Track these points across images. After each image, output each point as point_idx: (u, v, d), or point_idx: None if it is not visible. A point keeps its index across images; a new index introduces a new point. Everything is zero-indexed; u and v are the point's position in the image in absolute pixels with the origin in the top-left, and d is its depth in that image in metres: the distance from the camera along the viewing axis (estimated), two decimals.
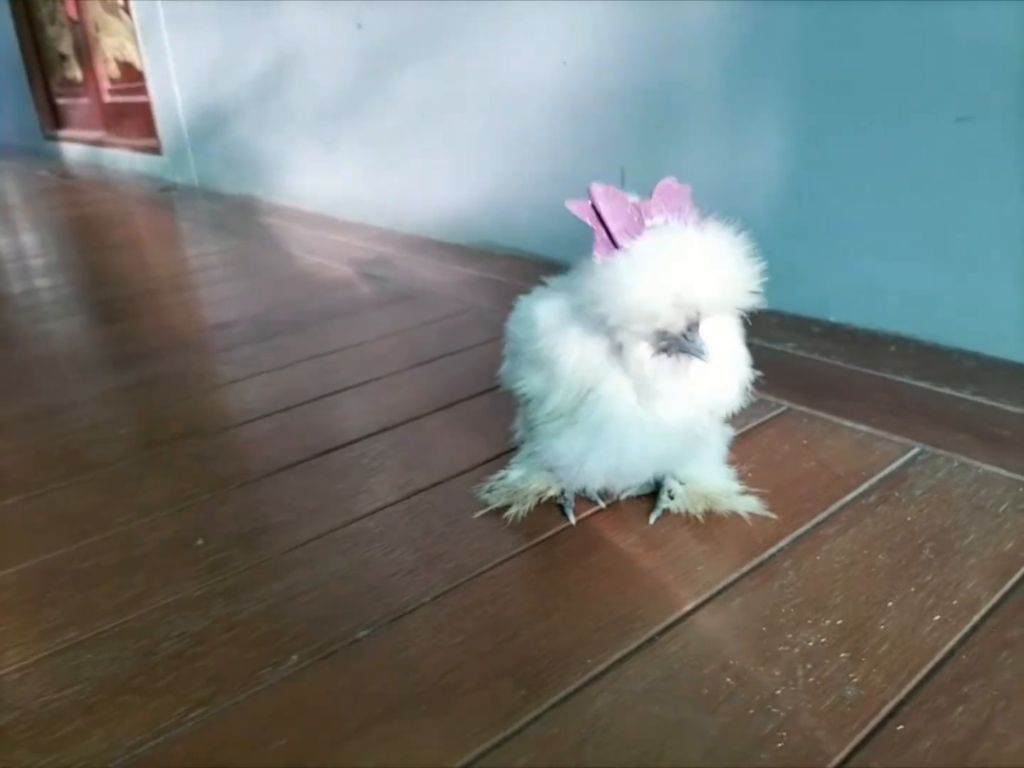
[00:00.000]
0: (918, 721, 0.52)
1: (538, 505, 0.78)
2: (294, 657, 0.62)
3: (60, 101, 5.21)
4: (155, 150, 3.71)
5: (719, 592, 0.65)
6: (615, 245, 0.62)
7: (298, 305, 1.55)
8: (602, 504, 0.78)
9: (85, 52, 4.39)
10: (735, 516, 0.75)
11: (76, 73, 4.67)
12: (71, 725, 0.57)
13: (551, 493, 0.78)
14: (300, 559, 0.74)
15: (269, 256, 1.97)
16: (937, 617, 0.61)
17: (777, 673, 0.57)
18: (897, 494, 0.77)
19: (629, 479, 0.74)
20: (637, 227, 0.62)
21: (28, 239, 2.50)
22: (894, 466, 0.82)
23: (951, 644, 0.58)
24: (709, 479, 0.77)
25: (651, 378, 0.64)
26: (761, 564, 0.68)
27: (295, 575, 0.72)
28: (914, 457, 0.83)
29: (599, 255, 0.62)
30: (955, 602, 0.62)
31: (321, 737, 0.55)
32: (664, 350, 0.63)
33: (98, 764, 0.54)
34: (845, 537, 0.71)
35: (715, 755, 0.51)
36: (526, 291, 0.75)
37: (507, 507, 0.77)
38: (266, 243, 2.10)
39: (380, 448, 0.94)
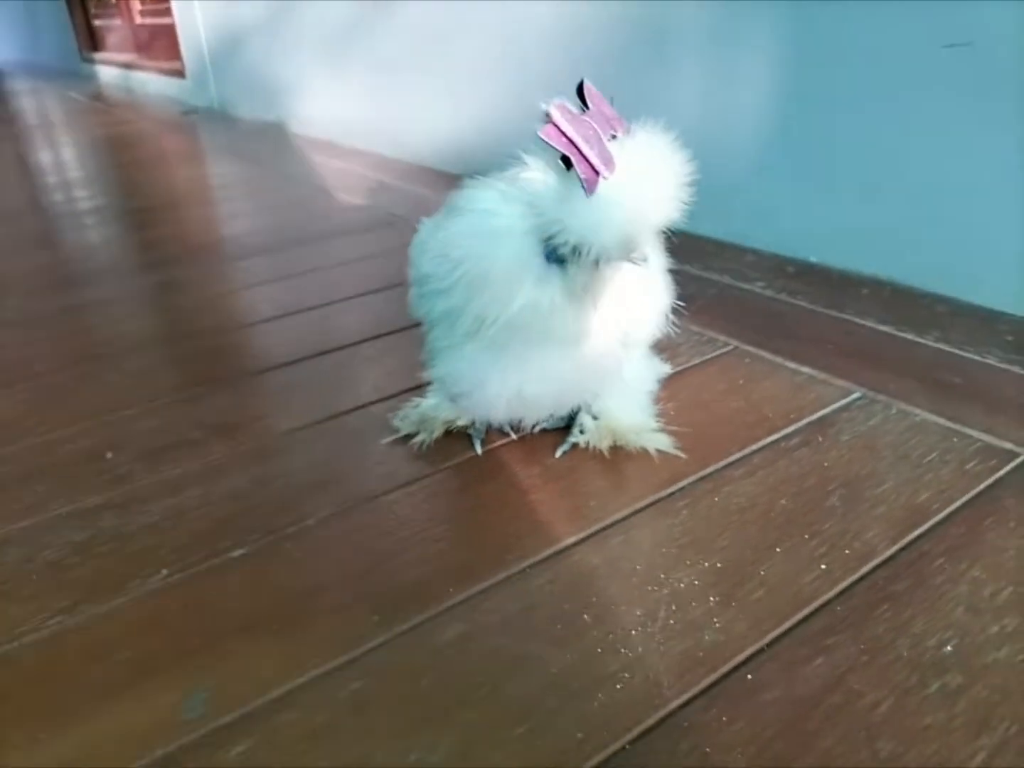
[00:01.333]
0: (770, 671, 0.50)
1: (449, 435, 0.76)
2: (164, 571, 0.61)
3: (97, 23, 5.18)
4: (179, 73, 3.68)
5: (604, 528, 0.63)
6: (596, 172, 0.56)
7: (291, 225, 1.56)
8: (513, 436, 0.76)
9: None
10: (644, 454, 0.72)
11: None
12: None
13: (461, 423, 0.76)
14: (200, 475, 0.73)
15: (274, 180, 1.97)
16: (823, 567, 0.58)
17: (638, 613, 0.54)
18: (821, 439, 0.73)
19: (533, 409, 0.70)
20: (607, 152, 0.56)
21: (65, 154, 2.62)
22: (827, 410, 0.77)
23: (829, 595, 0.55)
24: (623, 414, 0.74)
25: (593, 303, 0.61)
26: (656, 502, 0.66)
27: (191, 491, 0.71)
28: (851, 402, 0.78)
29: (586, 182, 0.56)
30: (847, 552, 0.59)
31: (164, 651, 0.54)
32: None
33: None
34: (752, 480, 0.68)
35: (550, 692, 0.49)
36: None
37: (415, 434, 0.75)
38: (274, 167, 2.10)
39: (314, 371, 0.92)
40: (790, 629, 0.53)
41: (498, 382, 0.66)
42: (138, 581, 0.61)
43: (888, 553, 0.59)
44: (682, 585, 0.57)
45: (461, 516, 0.66)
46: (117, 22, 4.68)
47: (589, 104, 0.59)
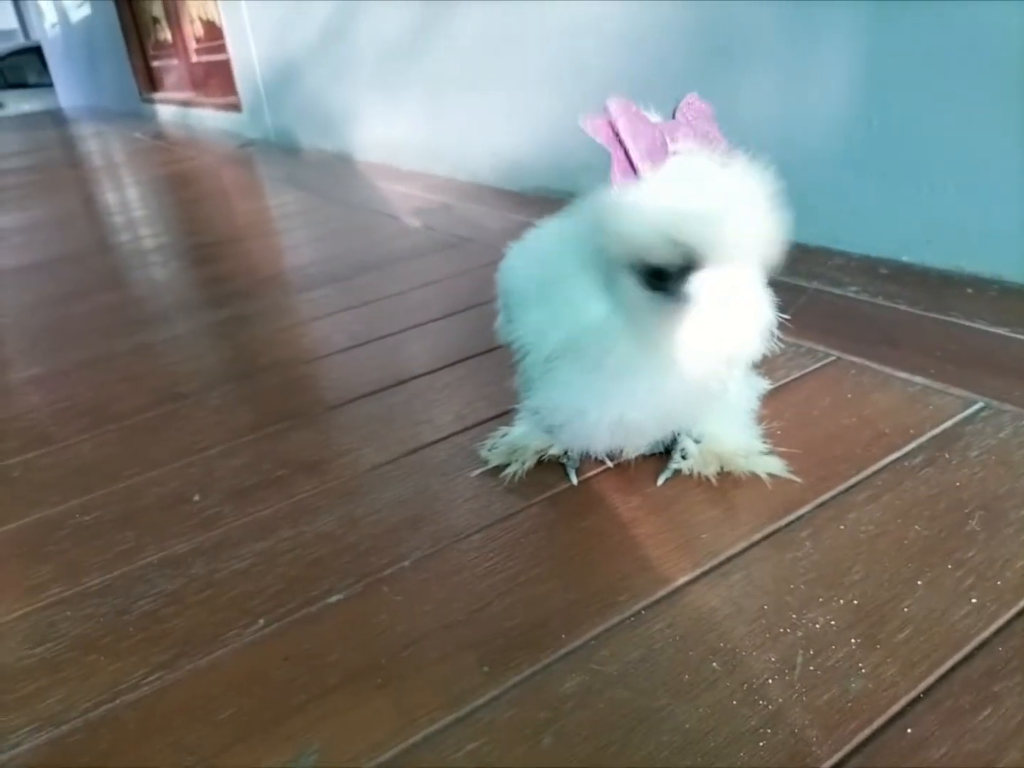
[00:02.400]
0: (932, 724, 0.45)
1: (540, 464, 0.72)
2: (261, 621, 0.59)
3: (155, 64, 5.35)
4: (235, 107, 3.77)
5: (721, 563, 0.58)
6: (635, 171, 0.54)
7: (353, 253, 1.55)
8: (609, 463, 0.72)
9: (173, 13, 4.48)
10: (754, 479, 0.67)
11: (167, 34, 4.77)
12: (35, 683, 0.56)
13: (554, 452, 0.72)
14: (289, 516, 0.71)
15: (334, 208, 1.98)
16: (974, 600, 0.52)
17: (773, 659, 0.50)
18: (948, 455, 0.67)
19: (635, 435, 0.66)
20: (661, 152, 0.54)
21: (130, 193, 2.71)
22: (949, 423, 0.71)
23: (986, 634, 0.50)
24: (728, 437, 0.69)
25: (647, 320, 0.57)
26: (774, 533, 0.61)
27: (281, 533, 0.69)
28: (975, 413, 0.72)
29: (616, 180, 0.54)
30: (999, 583, 0.53)
31: (267, 708, 0.52)
32: (660, 290, 0.56)
33: (49, 725, 0.53)
34: (877, 504, 0.62)
35: (686, 752, 0.45)
36: None
37: (506, 465, 0.72)
38: (333, 196, 2.12)
39: (393, 401, 0.90)
40: (948, 673, 0.47)
41: (597, 409, 0.62)
42: (235, 632, 0.58)
43: None
44: (817, 626, 0.52)
45: (562, 553, 0.62)
46: (174, 62, 4.83)
47: (678, 116, 0.55)
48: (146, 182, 2.88)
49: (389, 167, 2.37)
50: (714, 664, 0.50)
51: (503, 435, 0.75)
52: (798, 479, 0.66)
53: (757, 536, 0.61)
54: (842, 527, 0.60)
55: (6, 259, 1.90)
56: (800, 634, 0.51)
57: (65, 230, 2.20)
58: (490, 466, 0.73)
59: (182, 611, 0.61)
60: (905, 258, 1.12)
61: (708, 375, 0.62)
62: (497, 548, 0.63)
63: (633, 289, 0.56)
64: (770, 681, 0.48)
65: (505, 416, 0.82)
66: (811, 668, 0.49)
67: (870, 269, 1.10)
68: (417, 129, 2.27)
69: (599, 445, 0.67)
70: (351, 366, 1.02)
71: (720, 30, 1.26)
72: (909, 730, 0.44)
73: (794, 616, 0.53)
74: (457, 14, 1.91)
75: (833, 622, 0.52)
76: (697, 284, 0.53)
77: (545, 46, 1.68)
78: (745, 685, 0.48)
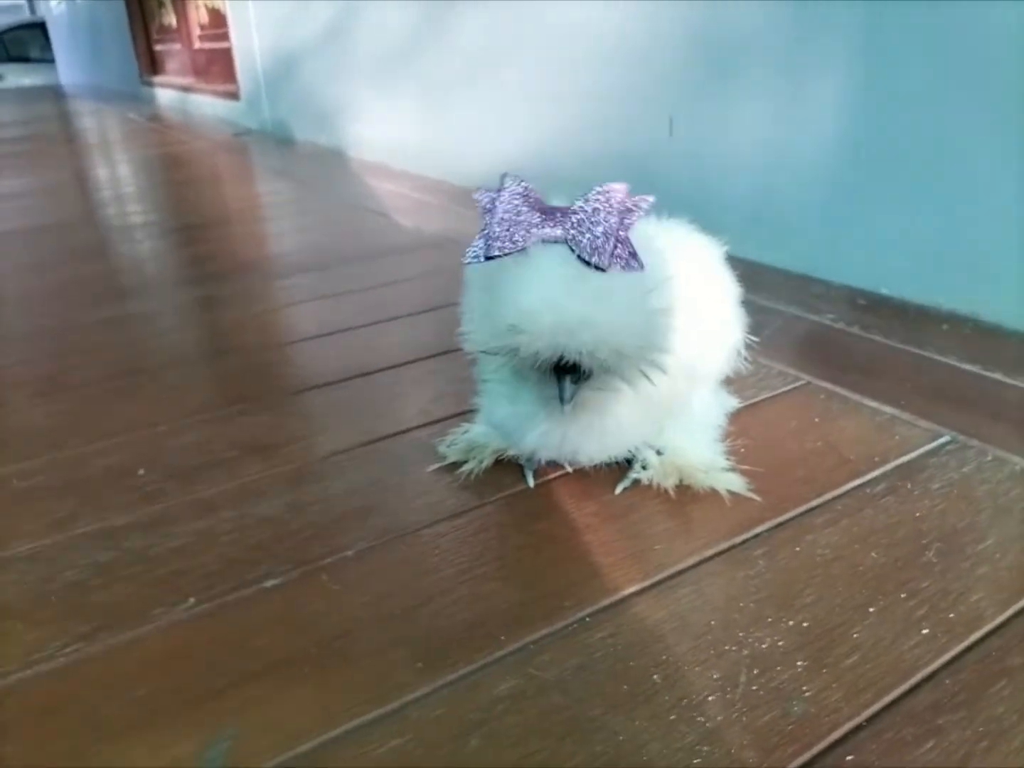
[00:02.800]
0: (873, 753, 0.43)
1: (499, 464, 0.71)
2: (191, 599, 0.57)
3: (157, 48, 5.32)
4: (234, 96, 3.74)
5: (672, 576, 0.57)
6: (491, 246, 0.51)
7: (336, 245, 1.53)
8: (568, 468, 0.70)
9: None
10: (714, 495, 0.65)
11: (172, 19, 4.74)
12: None
13: (512, 452, 0.70)
14: (234, 497, 0.69)
15: (323, 200, 1.96)
16: (925, 631, 0.51)
17: (715, 676, 0.48)
18: (910, 486, 0.66)
19: (580, 458, 0.64)
20: (526, 232, 0.51)
21: (121, 170, 2.69)
22: (914, 454, 0.70)
23: (935, 665, 0.48)
24: (691, 451, 0.68)
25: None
26: (729, 550, 0.59)
27: (224, 513, 0.67)
28: (941, 446, 0.71)
29: (466, 255, 0.52)
30: (951, 615, 0.52)
31: (185, 690, 0.49)
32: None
33: None
34: (836, 528, 0.61)
35: (618, 764, 0.43)
36: None
37: (463, 463, 0.70)
38: (322, 188, 2.10)
39: (356, 392, 0.88)
40: (893, 703, 0.46)
41: (537, 433, 0.60)
42: (162, 609, 0.56)
43: (999, 620, 0.52)
44: (764, 646, 0.50)
45: (512, 555, 0.60)
46: (177, 47, 4.80)
47: (588, 198, 0.52)
48: (138, 161, 2.85)
49: (382, 166, 2.36)
50: (655, 677, 0.48)
51: (463, 432, 0.73)
52: (758, 498, 0.65)
53: (711, 552, 0.59)
54: (798, 549, 0.59)
55: None
56: (746, 652, 0.50)
57: (53, 200, 2.17)
58: (447, 462, 0.71)
59: (110, 584, 0.59)
60: (884, 290, 1.12)
61: (669, 396, 0.61)
62: (445, 545, 0.61)
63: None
64: (711, 698, 0.46)
65: (469, 414, 0.80)
66: (754, 688, 0.47)
67: (848, 299, 1.10)
68: (412, 130, 2.26)
69: (549, 456, 0.65)
70: (318, 354, 1.00)
71: (716, 46, 1.26)
72: (849, 757, 0.43)
73: (741, 634, 0.51)
74: (456, 18, 1.90)
75: (780, 643, 0.50)
76: (570, 383, 0.53)
77: (540, 56, 1.67)
78: (684, 700, 0.46)
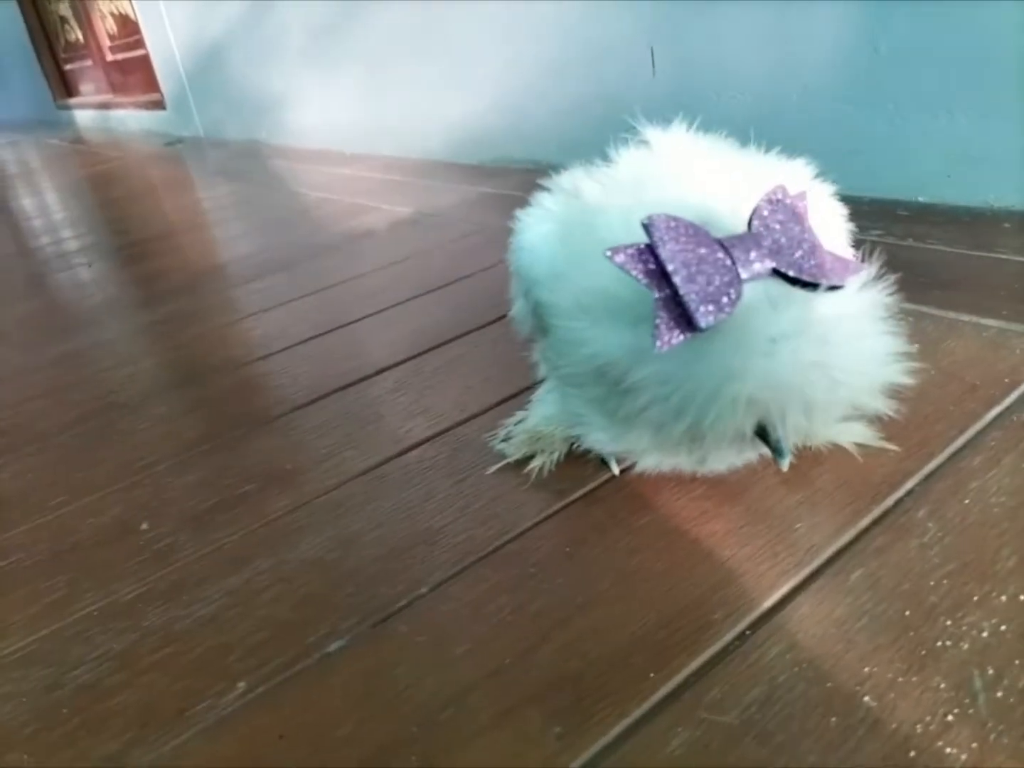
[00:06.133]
0: None
1: (570, 453, 0.59)
2: (241, 684, 0.45)
3: (68, 67, 5.06)
4: (159, 104, 3.54)
5: (831, 559, 0.46)
6: (689, 322, 0.38)
7: (303, 238, 1.39)
8: None
9: (82, 11, 4.21)
10: (837, 450, 0.55)
11: (78, 34, 4.49)
12: None
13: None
14: (262, 542, 0.57)
15: (275, 195, 1.82)
16: None
17: (941, 685, 0.37)
18: None
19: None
20: (727, 288, 0.38)
21: (48, 198, 2.51)
22: None
23: None
24: None
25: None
26: (885, 516, 0.49)
27: (256, 564, 0.54)
28: None
29: (663, 338, 0.38)
30: None
31: None
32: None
33: None
34: (1001, 468, 0.51)
35: None
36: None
37: (529, 458, 0.59)
38: (272, 184, 1.95)
39: (375, 394, 0.76)
40: None
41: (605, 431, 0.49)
42: (207, 703, 0.44)
43: None
44: (983, 634, 0.40)
45: (623, 563, 0.49)
46: (88, 63, 4.55)
47: (756, 221, 0.41)
48: (66, 186, 2.66)
49: (334, 153, 2.21)
50: (865, 699, 0.37)
51: (519, 422, 0.62)
52: (893, 447, 0.54)
53: (864, 521, 0.48)
54: (967, 501, 0.48)
55: None
56: (965, 647, 0.39)
57: None
58: (509, 460, 0.60)
59: (133, 679, 0.47)
60: (922, 198, 1.02)
61: None
62: (538, 560, 0.50)
63: None
64: (948, 718, 0.36)
65: (515, 399, 0.68)
66: (998, 695, 0.36)
67: (886, 212, 1.00)
68: (359, 109, 2.12)
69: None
70: (315, 359, 0.88)
71: None
72: None
73: (948, 623, 0.41)
74: None
75: (1003, 626, 0.40)
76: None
77: (491, 7, 1.54)
78: (918, 727, 0.36)
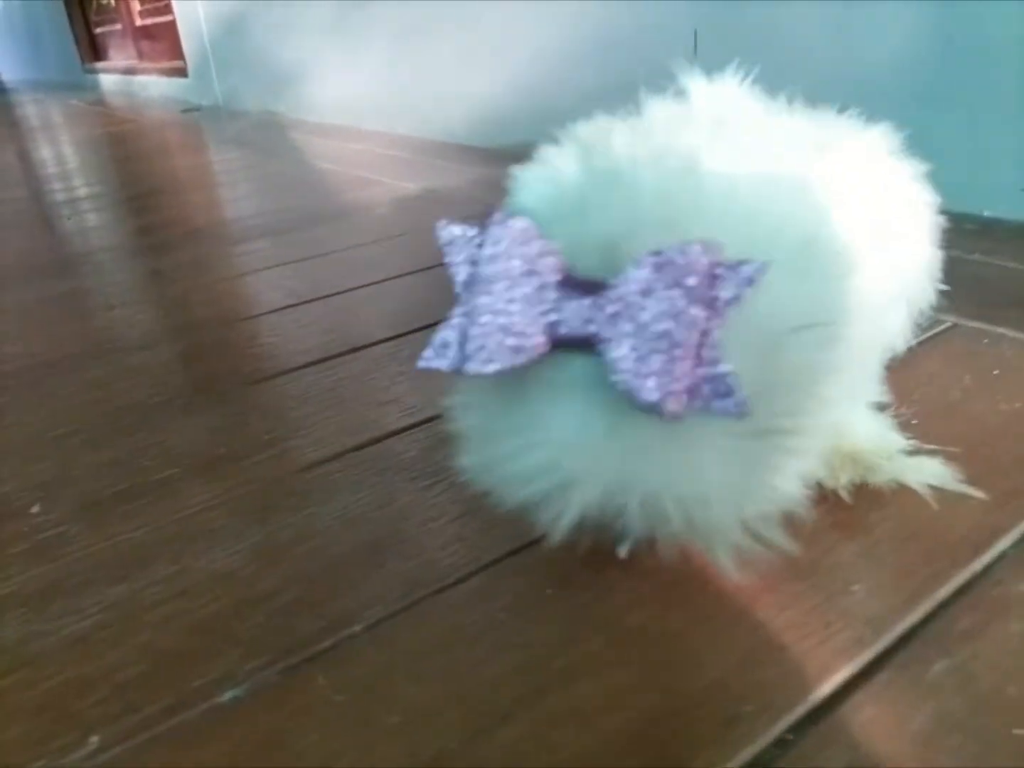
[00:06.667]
0: None
1: None
2: (93, 740, 0.33)
3: (98, 31, 5.01)
4: (182, 72, 3.47)
5: (903, 640, 0.34)
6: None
7: (309, 205, 1.29)
8: None
9: None
10: (904, 492, 0.43)
11: None
12: None
13: None
14: (169, 541, 0.45)
15: (285, 164, 1.72)
16: None
17: None
18: None
19: None
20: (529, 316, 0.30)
21: (65, 150, 2.44)
22: None
23: None
24: (856, 429, 0.45)
25: None
26: (970, 585, 0.37)
27: (154, 569, 0.43)
28: None
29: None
30: None
31: None
32: None
33: None
34: None
35: None
36: None
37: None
38: (284, 153, 1.86)
39: (343, 374, 0.65)
40: None
41: None
42: (40, 764, 0.32)
43: None
44: None
45: (620, 617, 0.37)
46: (117, 27, 4.49)
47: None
48: (83, 140, 2.59)
49: (350, 128, 2.10)
50: None
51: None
52: (978, 493, 0.42)
53: (943, 591, 0.36)
54: None
55: None
56: None
57: None
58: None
59: None
60: (987, 212, 0.90)
61: None
62: (510, 605, 0.38)
63: None
64: None
65: None
66: None
67: (952, 225, 0.87)
68: (380, 86, 2.01)
69: None
70: (287, 329, 0.76)
71: None
72: None
73: None
74: None
75: None
76: None
77: None
78: None
